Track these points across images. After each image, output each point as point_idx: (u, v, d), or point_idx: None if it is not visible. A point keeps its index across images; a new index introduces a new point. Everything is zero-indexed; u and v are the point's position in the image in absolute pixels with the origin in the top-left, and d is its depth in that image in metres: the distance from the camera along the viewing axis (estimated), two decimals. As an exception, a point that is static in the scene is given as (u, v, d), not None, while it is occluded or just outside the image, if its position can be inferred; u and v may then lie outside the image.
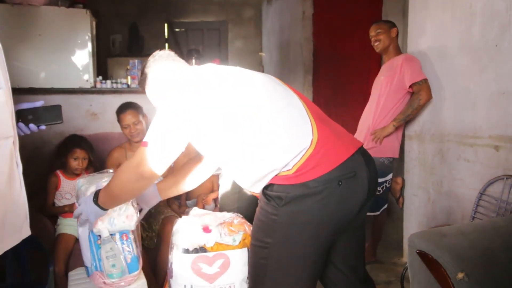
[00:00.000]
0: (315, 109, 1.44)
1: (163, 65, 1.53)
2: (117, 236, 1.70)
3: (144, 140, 1.36)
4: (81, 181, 1.77)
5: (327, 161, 1.28)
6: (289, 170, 1.29)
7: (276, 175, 1.31)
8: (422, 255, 1.51)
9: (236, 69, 1.48)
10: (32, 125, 1.35)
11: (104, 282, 1.70)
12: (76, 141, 2.42)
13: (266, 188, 1.35)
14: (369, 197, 1.37)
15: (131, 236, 1.71)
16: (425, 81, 2.59)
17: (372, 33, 2.88)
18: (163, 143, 1.34)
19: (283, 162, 1.29)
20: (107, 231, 1.68)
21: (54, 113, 1.40)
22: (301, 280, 1.36)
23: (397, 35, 2.87)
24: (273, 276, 1.36)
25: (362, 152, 1.39)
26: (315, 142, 1.30)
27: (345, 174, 1.29)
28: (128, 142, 2.65)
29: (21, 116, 1.34)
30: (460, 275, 1.36)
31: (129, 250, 1.71)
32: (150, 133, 1.35)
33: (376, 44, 2.87)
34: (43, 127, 1.38)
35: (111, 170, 1.89)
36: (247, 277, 1.48)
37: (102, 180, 1.73)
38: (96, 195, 1.48)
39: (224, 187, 2.78)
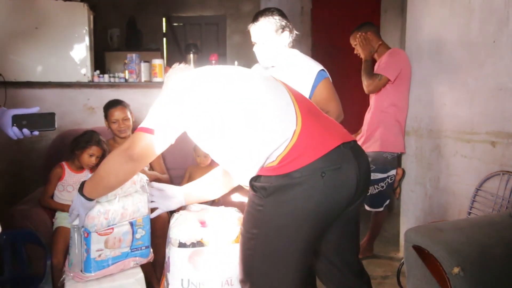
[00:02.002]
0: (305, 102, 1.44)
1: (181, 75, 1.55)
2: (81, 229, 1.71)
3: (140, 126, 1.40)
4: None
5: (310, 152, 1.28)
6: (273, 161, 1.31)
7: (262, 167, 1.33)
8: (418, 249, 1.52)
9: (229, 66, 1.52)
10: (25, 130, 1.40)
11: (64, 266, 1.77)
12: (95, 138, 2.40)
13: (253, 179, 1.36)
14: (359, 193, 1.37)
15: (93, 236, 1.68)
16: (381, 77, 2.69)
17: (355, 42, 2.90)
18: (157, 130, 1.38)
19: (267, 153, 1.30)
20: (77, 220, 1.70)
21: (47, 120, 1.44)
22: (288, 272, 1.37)
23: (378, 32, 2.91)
24: (260, 267, 1.37)
25: (352, 147, 1.37)
26: (298, 133, 1.30)
27: (328, 166, 1.28)
28: (112, 139, 2.65)
29: (16, 121, 1.39)
30: (456, 270, 1.37)
31: (86, 248, 1.70)
32: (147, 120, 1.40)
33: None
34: (36, 132, 1.43)
35: None
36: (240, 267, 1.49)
37: None
38: (82, 185, 1.51)
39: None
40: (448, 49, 2.43)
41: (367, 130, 2.90)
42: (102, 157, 2.42)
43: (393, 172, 2.85)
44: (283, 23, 1.98)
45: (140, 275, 1.79)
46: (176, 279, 1.71)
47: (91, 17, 3.26)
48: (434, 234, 1.52)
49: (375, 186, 2.82)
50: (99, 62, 4.33)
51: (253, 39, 2.01)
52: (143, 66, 3.14)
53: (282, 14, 1.99)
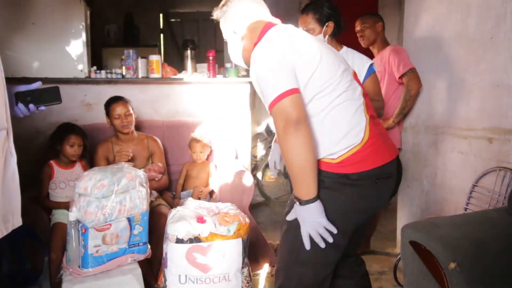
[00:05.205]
0: (369, 105, 1.47)
1: (246, 4, 1.52)
2: (79, 225, 1.72)
3: (269, 102, 1.29)
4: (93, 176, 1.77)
5: (371, 160, 1.35)
6: (333, 158, 1.36)
7: (319, 160, 1.37)
8: (415, 245, 1.52)
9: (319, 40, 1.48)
10: (31, 106, 1.36)
11: (62, 261, 1.79)
12: (70, 128, 2.41)
13: None
14: (391, 197, 1.51)
15: (91, 232, 1.70)
16: (412, 70, 2.59)
17: (357, 28, 2.87)
18: (280, 84, 1.27)
19: (331, 151, 1.35)
20: (74, 216, 1.70)
21: (52, 94, 1.41)
22: (327, 262, 1.42)
23: (383, 29, 2.85)
24: (302, 257, 1.39)
25: (397, 156, 1.49)
26: (365, 141, 1.36)
27: (383, 174, 1.39)
28: (115, 136, 2.63)
29: (20, 98, 1.35)
30: (452, 265, 1.38)
31: (83, 244, 1.71)
32: (272, 89, 1.28)
33: (361, 40, 2.86)
34: (42, 107, 1.39)
35: (126, 164, 1.87)
36: (277, 258, 1.51)
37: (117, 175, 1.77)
38: (295, 199, 1.33)
39: (224, 179, 2.79)
40: (446, 45, 2.43)
41: None
42: (84, 145, 2.42)
43: None
44: (327, 14, 2.13)
45: (137, 271, 1.79)
46: (174, 274, 1.72)
47: (88, 12, 3.24)
48: (431, 230, 1.53)
49: None
50: (96, 58, 4.31)
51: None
52: (140, 62, 3.13)
53: (330, 7, 2.16)
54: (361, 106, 1.40)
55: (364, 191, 1.37)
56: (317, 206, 1.29)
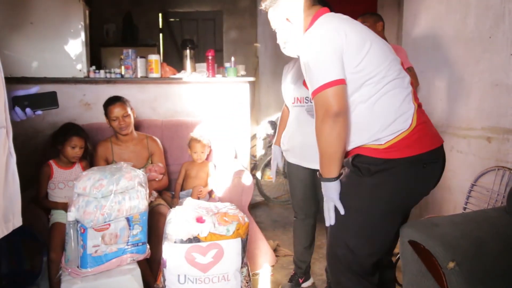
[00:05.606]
0: (416, 94, 1.50)
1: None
2: (77, 225, 1.72)
3: (313, 88, 1.36)
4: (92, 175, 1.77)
5: (419, 145, 1.38)
6: (380, 144, 1.38)
7: (363, 146, 1.40)
8: (414, 245, 1.52)
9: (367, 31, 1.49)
10: (28, 110, 1.36)
11: (61, 261, 1.79)
12: (73, 129, 2.39)
13: (353, 158, 1.43)
14: (434, 186, 1.52)
15: (90, 232, 1.69)
16: (410, 69, 2.60)
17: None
18: (327, 74, 1.33)
19: (377, 136, 1.37)
20: (73, 216, 1.70)
21: (49, 99, 1.42)
22: (376, 246, 1.47)
23: (382, 29, 2.85)
24: (351, 238, 1.43)
25: (442, 145, 1.52)
26: (413, 128, 1.39)
27: (430, 159, 1.41)
28: (114, 136, 2.61)
29: (17, 102, 1.35)
30: (451, 264, 1.38)
31: (82, 244, 1.70)
32: (319, 77, 1.35)
33: None
34: (39, 112, 1.39)
35: (125, 164, 1.87)
36: (327, 247, 1.55)
37: (115, 175, 1.76)
38: (318, 173, 1.48)
39: (223, 179, 2.78)
40: (445, 45, 2.43)
41: None
42: (85, 148, 2.40)
43: None
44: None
45: (136, 271, 1.79)
46: (173, 274, 1.72)
47: (87, 12, 3.23)
48: (430, 229, 1.53)
49: None
50: (95, 58, 4.31)
51: None
52: (139, 61, 3.12)
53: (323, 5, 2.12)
54: (409, 94, 1.43)
55: (410, 176, 1.39)
56: (334, 185, 1.41)
